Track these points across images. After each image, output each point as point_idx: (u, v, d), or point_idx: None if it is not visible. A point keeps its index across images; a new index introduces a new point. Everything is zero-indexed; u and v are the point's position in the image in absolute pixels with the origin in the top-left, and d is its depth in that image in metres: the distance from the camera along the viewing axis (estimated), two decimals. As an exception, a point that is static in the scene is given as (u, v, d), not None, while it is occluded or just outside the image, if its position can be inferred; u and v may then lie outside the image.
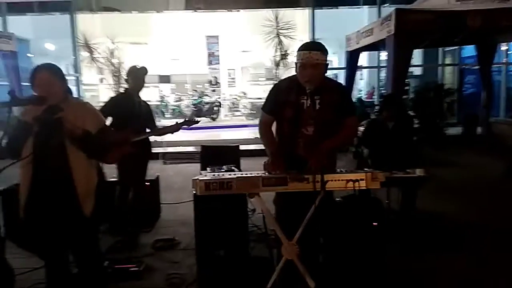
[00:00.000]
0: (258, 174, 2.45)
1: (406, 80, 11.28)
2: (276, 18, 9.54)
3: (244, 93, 14.75)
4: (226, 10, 12.94)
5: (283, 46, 9.59)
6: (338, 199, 3.33)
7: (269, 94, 2.81)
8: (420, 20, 5.84)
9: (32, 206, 2.34)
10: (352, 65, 8.94)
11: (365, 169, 4.04)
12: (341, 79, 9.48)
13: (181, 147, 8.96)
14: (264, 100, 2.86)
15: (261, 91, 12.19)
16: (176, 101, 15.33)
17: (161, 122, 10.20)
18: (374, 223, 3.23)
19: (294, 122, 2.67)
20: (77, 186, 2.30)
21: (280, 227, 2.65)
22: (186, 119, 4.04)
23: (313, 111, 2.56)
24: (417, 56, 13.10)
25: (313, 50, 2.56)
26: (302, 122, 2.65)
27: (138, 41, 14.24)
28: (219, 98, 14.48)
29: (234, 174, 2.52)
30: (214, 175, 2.48)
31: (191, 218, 3.51)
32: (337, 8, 13.18)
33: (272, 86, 2.87)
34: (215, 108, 13.85)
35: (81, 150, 2.28)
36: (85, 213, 2.33)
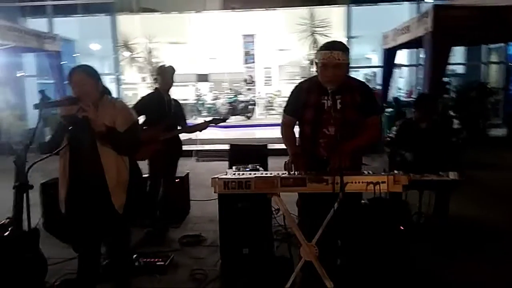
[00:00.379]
0: (277, 174, 2.45)
1: (448, 79, 10.89)
2: (311, 16, 9.45)
3: (279, 92, 14.74)
4: (263, 9, 12.96)
5: (318, 44, 9.50)
6: (364, 201, 3.28)
7: (290, 96, 2.80)
8: (459, 16, 5.58)
9: (72, 201, 2.48)
10: (389, 63, 8.70)
11: (395, 171, 4.02)
12: (380, 77, 9.27)
13: (214, 145, 9.08)
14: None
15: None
16: (213, 99, 15.57)
17: (197, 120, 10.40)
18: (400, 227, 3.16)
19: (315, 122, 2.65)
20: (108, 181, 2.41)
21: (299, 228, 2.65)
22: (215, 118, 4.11)
23: (334, 111, 2.53)
24: (459, 53, 12.57)
25: (335, 50, 2.52)
26: (324, 122, 2.62)
27: (177, 41, 14.58)
28: (254, 96, 14.55)
29: (255, 174, 2.54)
30: (234, 174, 2.51)
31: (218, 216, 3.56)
32: (376, 5, 12.88)
33: (293, 87, 2.85)
34: (249, 107, 13.94)
35: (109, 146, 2.39)
36: (116, 207, 2.43)
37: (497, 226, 4.26)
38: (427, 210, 4.08)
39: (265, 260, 3.34)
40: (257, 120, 13.93)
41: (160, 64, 4.11)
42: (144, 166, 4.04)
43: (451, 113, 8.77)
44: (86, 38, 15.61)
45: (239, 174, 2.51)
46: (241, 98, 14.29)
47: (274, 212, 3.82)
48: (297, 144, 2.77)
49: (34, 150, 2.48)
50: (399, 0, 12.94)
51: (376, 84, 13.11)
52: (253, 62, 14.82)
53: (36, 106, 2.27)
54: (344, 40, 10.37)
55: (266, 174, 2.49)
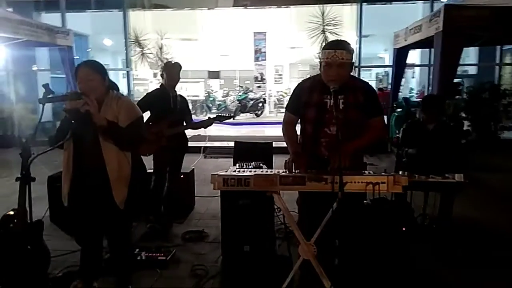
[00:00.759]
0: (277, 172, 2.45)
1: (460, 80, 10.74)
2: (322, 14, 9.40)
3: (290, 90, 14.71)
4: (275, 7, 12.91)
5: (329, 42, 9.43)
6: (366, 202, 3.27)
7: (292, 94, 2.80)
8: (471, 16, 5.49)
9: (74, 195, 2.51)
10: (400, 63, 8.60)
11: (400, 172, 3.99)
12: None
13: (223, 142, 9.11)
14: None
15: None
16: (224, 96, 15.61)
17: (207, 117, 10.42)
18: (402, 228, 3.14)
19: (317, 121, 2.64)
20: (110, 176, 2.43)
21: (299, 227, 2.65)
22: (219, 115, 4.12)
23: (336, 110, 2.51)
24: (472, 54, 12.37)
25: (338, 49, 2.51)
26: (326, 121, 2.62)
27: (188, 37, 14.62)
28: (264, 94, 14.55)
29: (255, 171, 2.54)
30: (234, 171, 2.52)
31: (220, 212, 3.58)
32: (390, 4, 12.74)
33: (295, 85, 2.85)
34: (259, 104, 13.95)
35: (111, 141, 2.41)
36: (117, 202, 2.46)
37: (502, 230, 4.20)
38: (432, 212, 4.06)
39: (266, 258, 3.34)
40: (267, 118, 13.93)
41: (169, 60, 4.12)
42: (149, 161, 4.10)
43: (463, 114, 8.67)
44: (99, 33, 15.79)
45: (239, 171, 2.52)
46: (251, 95, 14.30)
47: (276, 210, 3.83)
48: (298, 142, 2.77)
49: (45, 143, 2.54)
50: (413, -1, 12.79)
51: (388, 83, 13.00)
52: (265, 60, 14.80)
53: (40, 101, 2.32)
54: (355, 39, 10.29)
55: (266, 172, 2.49)
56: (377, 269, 2.94)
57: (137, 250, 3.48)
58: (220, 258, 3.44)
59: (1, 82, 10.52)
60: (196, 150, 8.62)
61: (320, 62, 2.61)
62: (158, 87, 4.10)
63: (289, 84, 15.34)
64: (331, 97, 2.52)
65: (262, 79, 14.92)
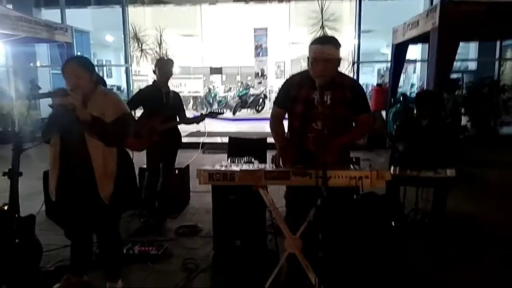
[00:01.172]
0: (262, 167, 2.48)
1: (459, 75, 10.68)
2: (322, 10, 9.38)
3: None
4: (275, 2, 12.88)
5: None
6: (356, 197, 3.29)
7: (281, 88, 2.83)
8: (468, 11, 5.47)
9: (61, 190, 2.55)
10: (398, 58, 8.57)
11: (392, 167, 4.00)
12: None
13: (222, 137, 9.14)
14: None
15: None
16: (226, 92, 15.64)
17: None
18: (391, 223, 3.16)
19: (304, 116, 2.67)
20: (95, 172, 2.46)
21: (286, 221, 2.68)
22: (211, 111, 4.15)
23: (323, 106, 2.53)
24: (472, 49, 12.30)
25: (326, 44, 2.54)
26: (313, 117, 2.64)
27: (189, 33, 14.62)
28: (265, 90, 14.54)
29: (242, 166, 2.57)
30: (221, 166, 2.55)
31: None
32: (391, -1, 12.69)
33: (284, 80, 2.87)
34: (260, 100, 13.96)
35: (94, 137, 2.43)
36: (102, 197, 2.48)
37: (499, 225, 4.19)
38: (425, 207, 4.07)
39: (256, 252, 3.37)
40: (268, 114, 13.90)
41: (162, 56, 4.15)
42: (142, 157, 4.13)
43: (462, 109, 8.64)
44: (100, 29, 15.81)
45: (225, 166, 2.54)
46: (251, 91, 14.31)
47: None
48: (286, 137, 2.79)
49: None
50: (413, -7, 12.71)
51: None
52: (266, 56, 14.78)
53: (28, 97, 2.35)
54: (354, 34, 10.26)
55: (252, 167, 2.51)
56: (364, 263, 2.96)
57: (130, 244, 3.52)
58: (212, 252, 3.47)
59: (1, 79, 10.57)
60: (195, 146, 8.66)
61: (308, 58, 2.63)
62: (151, 83, 4.12)
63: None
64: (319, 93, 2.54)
65: (263, 75, 14.93)
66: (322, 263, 2.30)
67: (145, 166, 4.30)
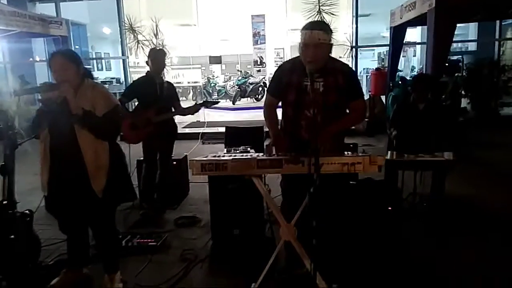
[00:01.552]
0: (255, 155, 2.46)
1: (458, 57, 10.56)
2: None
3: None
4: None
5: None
6: (352, 182, 3.28)
7: (273, 76, 2.79)
8: (465, -9, 5.40)
9: (53, 185, 2.54)
10: (397, 41, 8.47)
11: (389, 151, 3.97)
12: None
13: (219, 127, 9.12)
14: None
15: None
16: (225, 81, 15.56)
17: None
18: (388, 208, 3.15)
19: (297, 104, 2.64)
20: (87, 165, 2.45)
21: (282, 209, 2.68)
22: (205, 100, 4.13)
23: (314, 92, 2.50)
24: (472, 30, 12.13)
25: (315, 29, 2.49)
26: (305, 104, 2.61)
27: (186, 23, 14.48)
28: (264, 78, 14.45)
29: (235, 155, 2.55)
30: (214, 156, 2.53)
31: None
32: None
33: (276, 68, 2.83)
34: (259, 89, 13.90)
35: (85, 130, 2.42)
36: (95, 190, 2.48)
37: (499, 207, 4.18)
38: (424, 191, 4.06)
39: (255, 241, 3.38)
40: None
41: (154, 47, 4.12)
42: (139, 149, 4.13)
43: (462, 91, 8.57)
44: (97, 22, 15.70)
45: (217, 156, 2.53)
46: (251, 80, 14.22)
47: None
48: (279, 125, 2.77)
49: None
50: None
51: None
52: (264, 43, 14.65)
53: (16, 92, 2.33)
54: (351, 18, 10.14)
55: (246, 156, 2.50)
56: (360, 249, 2.96)
57: (129, 236, 3.54)
58: (210, 242, 3.48)
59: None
60: (195, 136, 8.65)
61: (299, 44, 2.59)
62: (145, 74, 4.09)
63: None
64: (310, 79, 2.51)
65: (262, 63, 14.82)
66: (317, 250, 2.30)
67: (142, 158, 4.29)
